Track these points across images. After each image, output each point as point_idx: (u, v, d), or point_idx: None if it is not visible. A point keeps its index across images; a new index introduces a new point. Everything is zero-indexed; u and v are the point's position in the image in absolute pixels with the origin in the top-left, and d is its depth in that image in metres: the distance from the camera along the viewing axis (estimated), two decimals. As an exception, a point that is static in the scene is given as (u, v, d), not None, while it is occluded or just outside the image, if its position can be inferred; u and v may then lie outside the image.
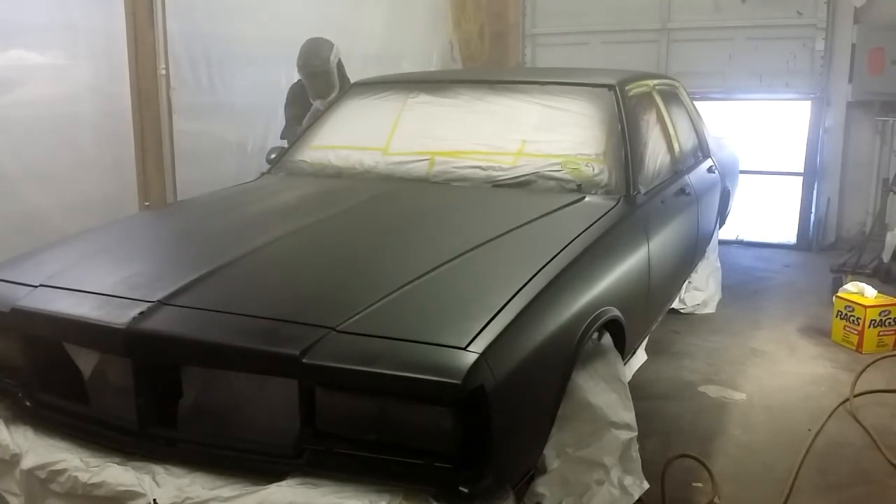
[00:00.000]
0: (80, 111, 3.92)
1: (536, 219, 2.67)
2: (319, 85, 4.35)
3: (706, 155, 4.51)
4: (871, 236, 5.70)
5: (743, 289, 5.33)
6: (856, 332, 4.15)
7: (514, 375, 1.83)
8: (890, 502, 2.80)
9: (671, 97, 4.25)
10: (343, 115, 3.71)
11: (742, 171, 5.59)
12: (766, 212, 6.69)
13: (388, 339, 1.85)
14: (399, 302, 2.02)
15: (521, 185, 3.09)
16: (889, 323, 4.14)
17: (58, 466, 1.96)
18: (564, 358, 2.10)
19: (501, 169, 3.16)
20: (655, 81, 4.10)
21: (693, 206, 3.84)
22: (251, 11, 4.79)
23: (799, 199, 6.59)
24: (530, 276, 2.15)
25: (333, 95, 4.29)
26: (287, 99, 4.59)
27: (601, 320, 2.29)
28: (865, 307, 4.11)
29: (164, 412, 2.00)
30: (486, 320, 1.89)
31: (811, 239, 6.56)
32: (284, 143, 4.22)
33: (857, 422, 3.32)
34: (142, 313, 1.99)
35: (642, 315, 2.98)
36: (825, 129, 6.48)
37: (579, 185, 3.03)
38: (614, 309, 2.39)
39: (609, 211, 2.83)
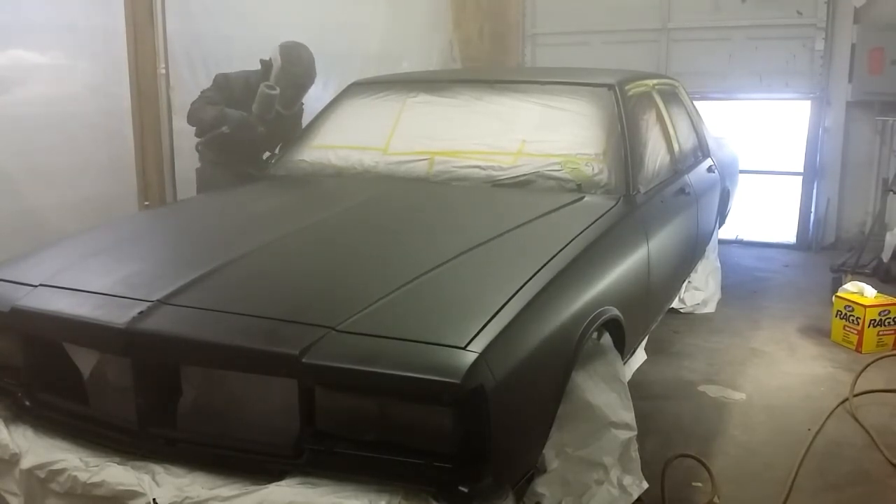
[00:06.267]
0: (80, 111, 3.92)
1: (536, 218, 2.67)
2: (296, 96, 4.14)
3: (706, 155, 4.51)
4: (870, 236, 5.70)
5: (743, 288, 5.33)
6: (855, 331, 4.15)
7: (514, 375, 1.83)
8: (890, 502, 2.80)
9: (671, 97, 4.25)
10: (343, 115, 3.71)
11: (742, 171, 5.59)
12: (765, 211, 6.69)
13: (387, 339, 1.85)
14: (398, 301, 2.02)
15: (521, 184, 3.09)
16: (889, 323, 4.14)
17: (57, 466, 1.96)
18: (564, 358, 2.10)
19: (501, 169, 3.16)
20: (655, 81, 4.10)
21: (693, 205, 3.84)
22: (251, 11, 4.78)
23: (799, 198, 6.59)
24: (530, 275, 2.15)
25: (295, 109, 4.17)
26: (219, 91, 4.00)
27: (601, 320, 2.29)
28: (865, 307, 4.11)
29: (163, 412, 2.00)
30: (486, 320, 1.89)
31: (811, 239, 6.56)
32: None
33: (857, 422, 3.32)
34: (141, 313, 1.99)
35: (642, 315, 2.98)
36: (825, 128, 6.48)
37: (579, 185, 3.04)
38: (614, 309, 2.39)
39: (609, 210, 2.83)
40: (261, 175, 3.61)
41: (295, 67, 4.04)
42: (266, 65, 4.07)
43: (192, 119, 3.99)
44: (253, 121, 3.91)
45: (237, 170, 3.90)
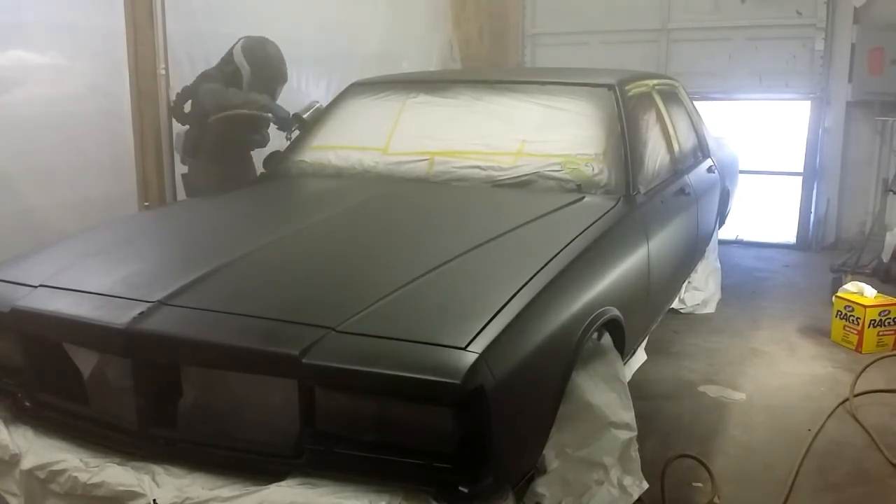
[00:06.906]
0: (80, 111, 3.91)
1: (536, 219, 2.67)
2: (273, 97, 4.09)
3: (706, 155, 4.51)
4: (870, 236, 5.70)
5: (743, 289, 5.33)
6: (855, 331, 4.15)
7: (514, 375, 1.83)
8: (890, 502, 2.80)
9: (671, 97, 4.25)
10: (343, 115, 3.71)
11: (742, 171, 5.59)
12: (765, 212, 6.69)
13: (387, 340, 1.85)
14: (398, 302, 2.02)
15: (521, 185, 3.09)
16: (889, 323, 4.14)
17: (57, 466, 1.96)
18: (564, 358, 2.10)
19: (501, 169, 3.16)
20: (655, 81, 4.10)
21: (693, 205, 3.84)
22: (251, 11, 4.78)
23: (799, 199, 6.59)
24: (530, 276, 2.15)
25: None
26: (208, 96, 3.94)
27: (601, 320, 2.29)
28: (865, 307, 4.11)
29: (164, 412, 2.00)
30: (486, 320, 1.89)
31: (811, 239, 6.56)
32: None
33: (857, 422, 3.32)
34: (141, 313, 1.99)
35: (642, 315, 2.98)
36: (825, 129, 6.48)
37: (579, 185, 3.04)
38: (614, 309, 2.39)
39: (609, 211, 2.83)
40: (253, 179, 3.62)
41: (264, 72, 4.02)
42: (235, 73, 4.01)
43: (236, 99, 3.90)
44: (292, 122, 3.88)
45: (229, 172, 3.91)
